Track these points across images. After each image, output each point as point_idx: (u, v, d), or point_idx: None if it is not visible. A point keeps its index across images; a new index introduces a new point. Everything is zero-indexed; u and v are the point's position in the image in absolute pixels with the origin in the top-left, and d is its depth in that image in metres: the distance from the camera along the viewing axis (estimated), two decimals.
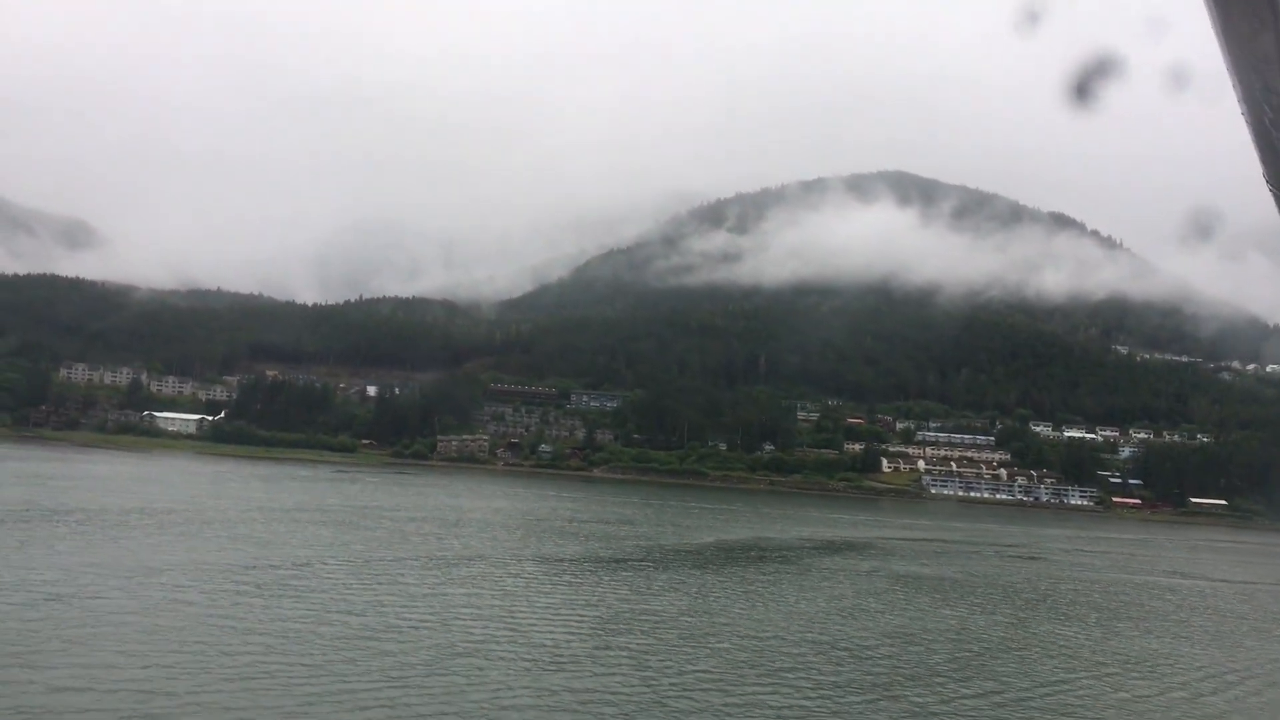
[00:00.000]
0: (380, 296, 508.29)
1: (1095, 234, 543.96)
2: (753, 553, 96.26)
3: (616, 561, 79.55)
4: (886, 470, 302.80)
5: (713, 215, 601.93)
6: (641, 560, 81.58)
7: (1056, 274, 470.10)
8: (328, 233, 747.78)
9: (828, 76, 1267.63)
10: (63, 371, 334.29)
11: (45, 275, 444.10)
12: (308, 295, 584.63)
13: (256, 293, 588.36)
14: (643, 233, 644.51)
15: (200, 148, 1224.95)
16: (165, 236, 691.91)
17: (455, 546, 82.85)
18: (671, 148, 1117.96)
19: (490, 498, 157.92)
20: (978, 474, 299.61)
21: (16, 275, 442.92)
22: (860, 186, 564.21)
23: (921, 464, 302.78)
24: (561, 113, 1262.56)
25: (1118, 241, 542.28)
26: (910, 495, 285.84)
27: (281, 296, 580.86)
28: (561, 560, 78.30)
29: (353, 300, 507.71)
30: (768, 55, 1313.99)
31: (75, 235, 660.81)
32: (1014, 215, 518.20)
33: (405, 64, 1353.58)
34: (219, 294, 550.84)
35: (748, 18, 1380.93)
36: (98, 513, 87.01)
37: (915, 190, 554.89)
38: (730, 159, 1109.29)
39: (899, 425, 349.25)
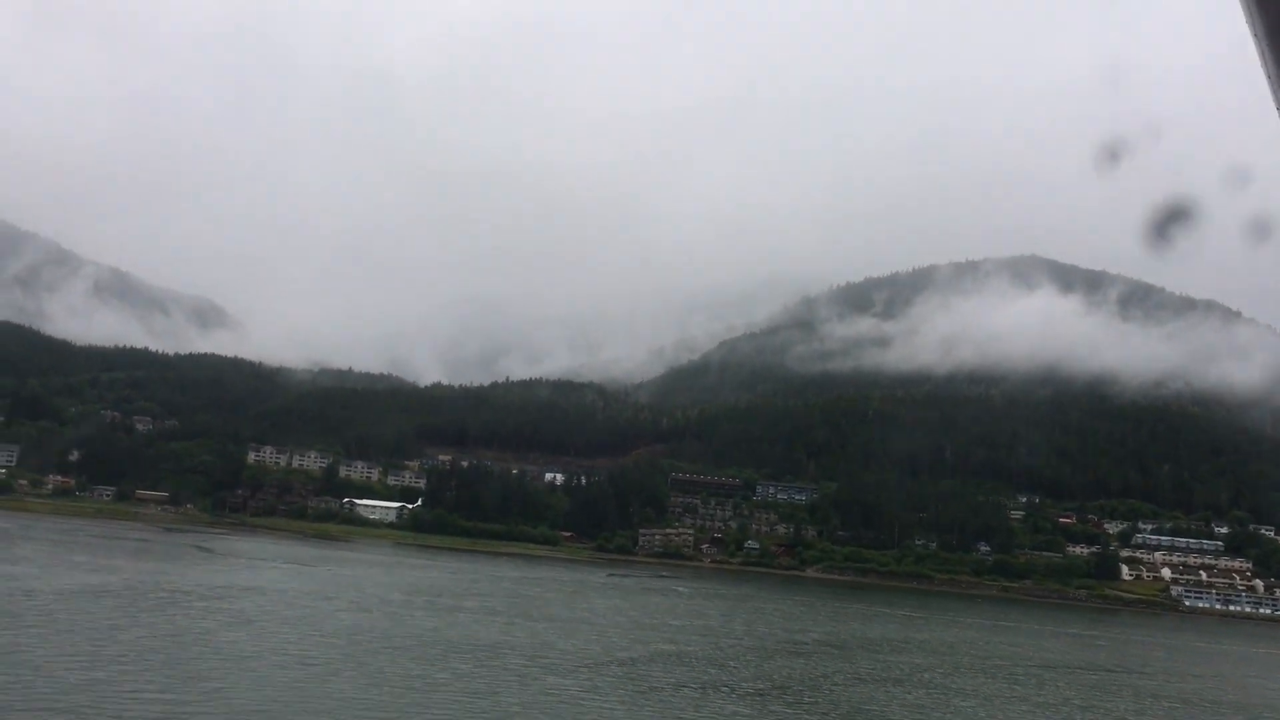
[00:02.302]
0: (533, 378, 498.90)
1: (1253, 323, 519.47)
2: None
3: None
4: (1127, 578, 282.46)
5: (853, 299, 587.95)
6: None
7: (1238, 367, 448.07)
8: (451, 314, 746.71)
9: (952, 165, 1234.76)
10: (251, 455, 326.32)
11: (206, 355, 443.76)
12: (433, 376, 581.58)
13: (385, 372, 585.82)
14: (772, 315, 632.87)
15: (323, 228, 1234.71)
16: (292, 316, 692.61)
17: None
18: (794, 230, 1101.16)
19: (860, 619, 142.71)
20: (1230, 584, 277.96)
21: (178, 354, 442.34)
22: (1014, 271, 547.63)
23: (1167, 572, 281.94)
24: (687, 194, 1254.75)
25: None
26: (1161, 607, 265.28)
27: (408, 377, 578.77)
28: None
29: (500, 382, 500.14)
30: (885, 146, 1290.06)
31: (206, 315, 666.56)
32: (1185, 305, 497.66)
33: (525, 150, 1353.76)
34: (351, 374, 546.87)
35: (866, 113, 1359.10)
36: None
37: (1071, 277, 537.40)
38: (858, 243, 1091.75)
39: (1111, 527, 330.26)
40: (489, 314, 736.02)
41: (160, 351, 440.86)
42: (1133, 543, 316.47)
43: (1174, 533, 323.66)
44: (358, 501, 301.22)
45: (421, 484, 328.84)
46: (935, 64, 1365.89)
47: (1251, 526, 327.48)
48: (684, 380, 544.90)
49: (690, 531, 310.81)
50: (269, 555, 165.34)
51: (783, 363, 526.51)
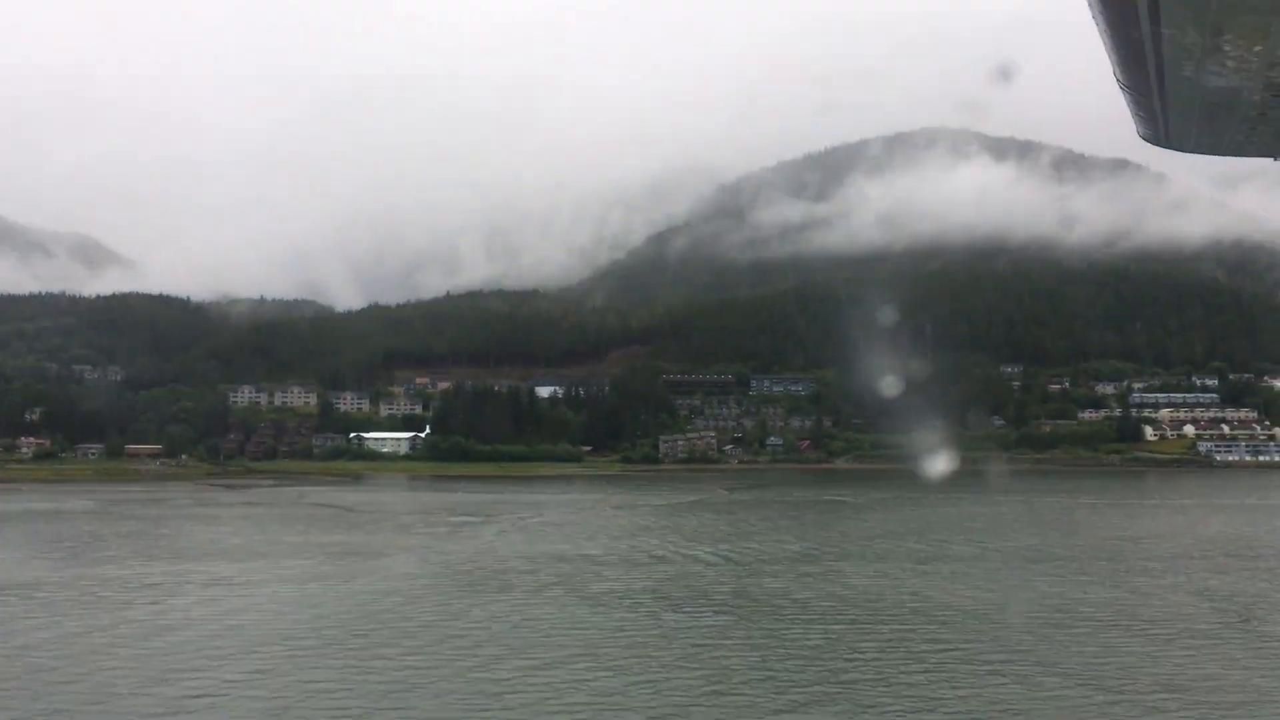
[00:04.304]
0: (475, 290, 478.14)
1: (1175, 180, 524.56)
2: None
3: None
4: (1151, 438, 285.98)
5: (780, 182, 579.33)
6: None
7: (1176, 223, 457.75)
8: (358, 233, 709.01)
9: (859, 37, 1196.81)
10: (230, 397, 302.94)
11: (132, 294, 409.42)
12: (349, 297, 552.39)
13: (300, 298, 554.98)
14: (694, 206, 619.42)
15: (212, 154, 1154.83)
16: (188, 248, 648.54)
17: None
18: (706, 115, 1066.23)
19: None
20: (1252, 435, 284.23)
21: (99, 296, 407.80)
22: (947, 143, 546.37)
23: (1190, 429, 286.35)
24: (592, 87, 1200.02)
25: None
26: (1194, 464, 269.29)
27: (323, 300, 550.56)
28: None
29: (440, 297, 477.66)
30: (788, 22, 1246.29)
31: (91, 253, 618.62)
32: (1116, 166, 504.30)
33: (422, 53, 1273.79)
34: (265, 302, 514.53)
35: None
36: None
37: (1003, 147, 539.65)
38: (774, 124, 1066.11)
39: (1100, 389, 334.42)
40: (398, 229, 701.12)
41: (82, 295, 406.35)
42: (1130, 402, 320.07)
43: (1164, 389, 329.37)
44: (365, 435, 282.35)
45: (416, 410, 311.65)
46: None
47: (1231, 376, 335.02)
48: (619, 279, 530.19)
49: (712, 434, 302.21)
50: (401, 508, 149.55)
51: (720, 254, 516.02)
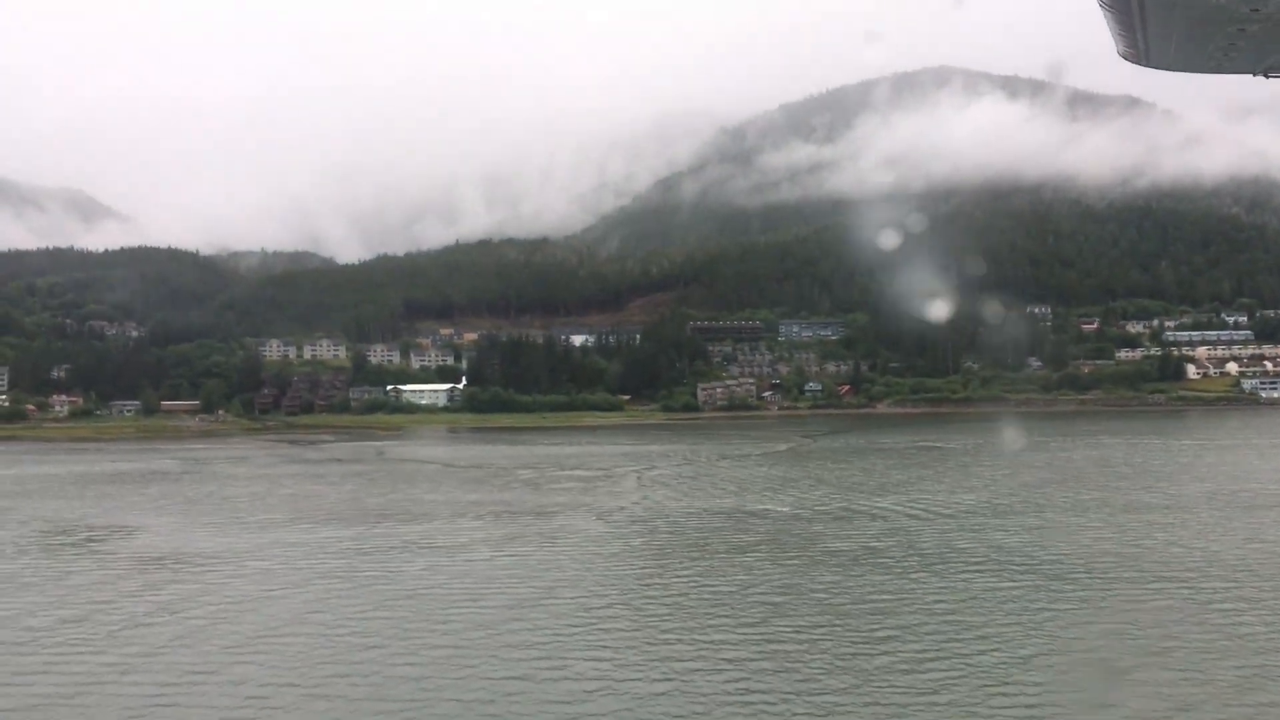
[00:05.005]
0: (486, 239, 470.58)
1: (1183, 117, 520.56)
2: None
3: None
4: (1194, 376, 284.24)
5: (787, 125, 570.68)
6: None
7: (1193, 159, 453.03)
8: (355, 184, 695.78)
9: None
10: (261, 351, 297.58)
11: (140, 248, 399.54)
12: (351, 249, 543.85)
13: (301, 250, 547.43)
14: (697, 150, 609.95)
15: (195, 106, 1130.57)
16: (181, 200, 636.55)
17: None
18: (706, 58, 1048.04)
19: None
20: None
21: (106, 250, 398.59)
22: (957, 81, 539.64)
23: (1233, 367, 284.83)
24: (590, 30, 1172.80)
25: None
26: (1242, 403, 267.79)
27: (324, 252, 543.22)
28: None
29: (450, 245, 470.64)
30: None
31: (83, 207, 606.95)
32: (1129, 103, 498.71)
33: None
34: (269, 255, 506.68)
35: None
36: None
37: (1015, 86, 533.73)
38: (775, 66, 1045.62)
39: (1131, 328, 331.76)
40: (395, 180, 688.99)
41: (89, 250, 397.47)
42: (1165, 341, 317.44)
43: (1195, 327, 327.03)
44: (403, 388, 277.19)
45: (447, 362, 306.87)
46: None
47: (1263, 312, 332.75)
48: (629, 226, 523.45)
49: (751, 381, 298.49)
50: (503, 463, 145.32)
51: (729, 199, 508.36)
